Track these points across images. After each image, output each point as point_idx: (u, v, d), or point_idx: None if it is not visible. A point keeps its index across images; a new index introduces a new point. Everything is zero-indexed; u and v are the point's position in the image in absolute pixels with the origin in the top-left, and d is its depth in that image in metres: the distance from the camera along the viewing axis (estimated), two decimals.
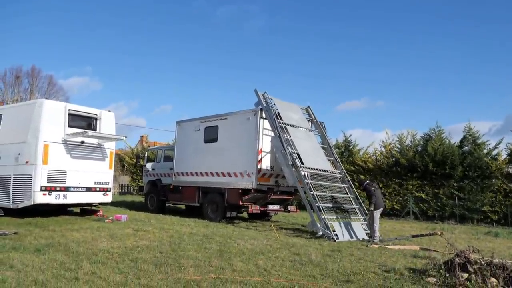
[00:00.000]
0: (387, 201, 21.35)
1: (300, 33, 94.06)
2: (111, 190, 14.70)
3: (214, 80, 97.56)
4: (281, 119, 13.82)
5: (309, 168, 13.01)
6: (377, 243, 11.04)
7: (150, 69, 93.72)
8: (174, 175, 17.02)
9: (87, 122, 13.97)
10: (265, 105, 13.88)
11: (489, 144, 20.34)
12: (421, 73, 79.95)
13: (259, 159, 13.88)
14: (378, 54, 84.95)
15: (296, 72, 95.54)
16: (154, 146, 27.56)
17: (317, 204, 11.93)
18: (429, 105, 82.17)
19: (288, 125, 13.90)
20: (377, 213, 11.81)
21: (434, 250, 9.57)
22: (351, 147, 24.32)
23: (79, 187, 13.42)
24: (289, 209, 15.64)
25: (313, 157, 13.75)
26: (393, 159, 22.12)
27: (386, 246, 10.45)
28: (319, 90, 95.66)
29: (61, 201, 12.99)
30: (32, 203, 12.48)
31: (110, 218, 13.52)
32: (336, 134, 65.88)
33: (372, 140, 74.91)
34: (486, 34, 71.51)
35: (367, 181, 13.12)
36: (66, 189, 13.07)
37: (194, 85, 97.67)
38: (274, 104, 14.24)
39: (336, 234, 11.33)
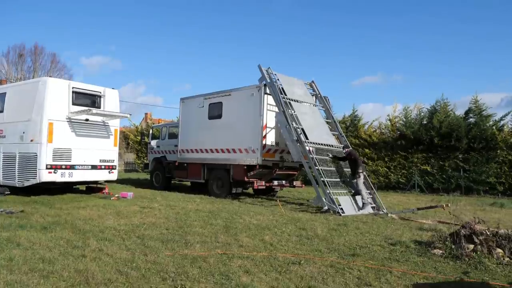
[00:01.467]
0: (392, 174, 21.41)
1: (317, 11, 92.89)
2: (117, 168, 14.70)
3: (233, 59, 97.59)
4: (285, 94, 13.69)
5: (313, 143, 12.96)
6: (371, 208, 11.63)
7: (167, 48, 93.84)
8: (179, 152, 17.01)
9: (91, 100, 13.90)
10: (268, 80, 13.72)
11: (495, 115, 20.30)
12: (434, 46, 79.12)
13: (263, 135, 13.80)
14: (394, 29, 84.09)
15: (310, 48, 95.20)
16: (159, 123, 27.50)
17: (322, 179, 11.91)
18: (441, 78, 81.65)
19: (292, 100, 13.77)
20: (361, 180, 12.14)
21: (445, 222, 9.58)
22: (356, 121, 24.16)
23: (85, 165, 13.43)
24: (294, 184, 15.66)
25: (317, 132, 13.68)
26: (398, 132, 22.01)
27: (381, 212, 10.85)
28: (335, 66, 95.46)
29: (66, 179, 13.03)
30: (38, 181, 12.52)
31: (116, 195, 13.60)
32: (350, 109, 65.57)
33: (382, 114, 74.88)
34: (499, 5, 70.14)
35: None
36: (72, 167, 13.10)
37: (211, 64, 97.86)
38: (278, 79, 14.08)
39: (341, 208, 11.33)
